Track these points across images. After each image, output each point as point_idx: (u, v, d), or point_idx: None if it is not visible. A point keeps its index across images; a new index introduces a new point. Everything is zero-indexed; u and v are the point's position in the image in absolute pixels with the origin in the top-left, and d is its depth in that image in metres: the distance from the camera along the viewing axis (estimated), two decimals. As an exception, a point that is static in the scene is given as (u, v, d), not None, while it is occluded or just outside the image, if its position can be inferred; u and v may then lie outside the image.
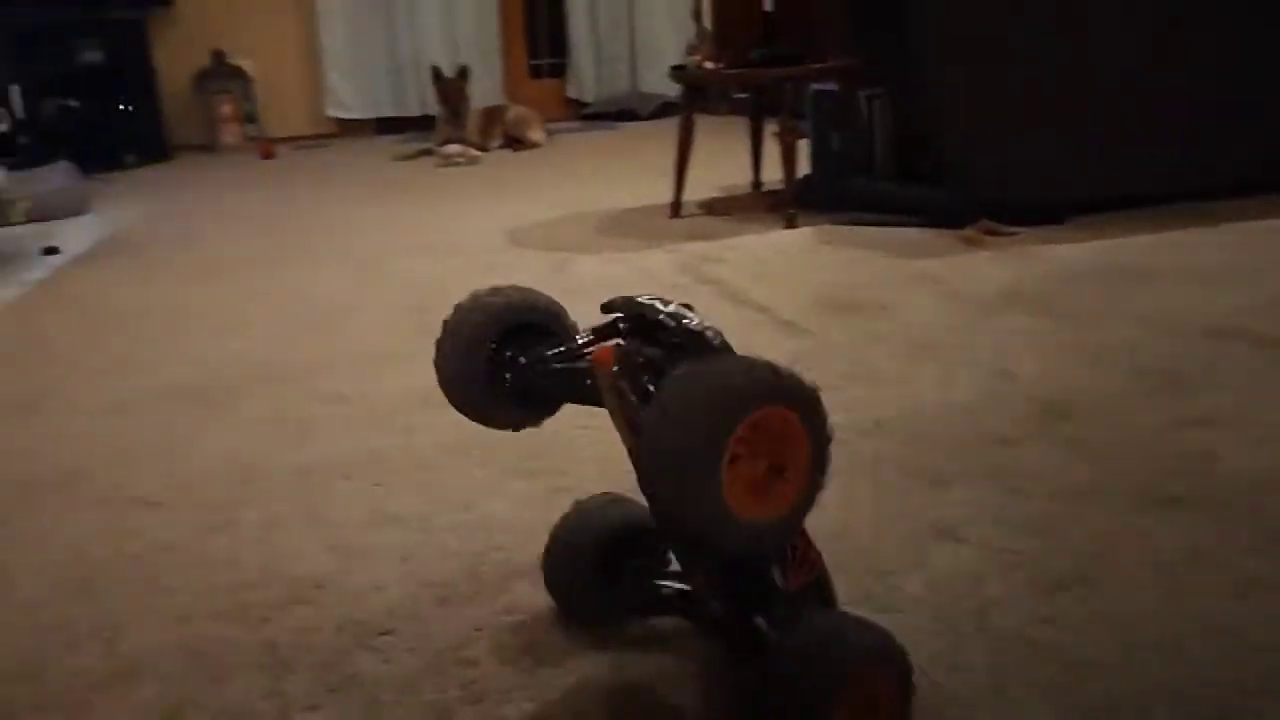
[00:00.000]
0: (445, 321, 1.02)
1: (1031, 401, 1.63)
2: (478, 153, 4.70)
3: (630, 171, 4.13)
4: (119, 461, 1.63)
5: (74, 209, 4.10)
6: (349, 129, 5.67)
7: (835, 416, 0.81)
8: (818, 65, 3.05)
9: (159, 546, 1.35)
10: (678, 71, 3.35)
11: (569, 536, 1.08)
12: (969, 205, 2.74)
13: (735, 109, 4.33)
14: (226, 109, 5.47)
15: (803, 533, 0.90)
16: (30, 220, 3.90)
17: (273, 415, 1.78)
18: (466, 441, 1.58)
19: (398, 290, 2.57)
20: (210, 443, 1.69)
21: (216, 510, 1.44)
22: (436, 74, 4.89)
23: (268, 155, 5.06)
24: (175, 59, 5.36)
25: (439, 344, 1.01)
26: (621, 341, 0.90)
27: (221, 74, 5.42)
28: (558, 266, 2.69)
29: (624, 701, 1.01)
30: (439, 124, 4.86)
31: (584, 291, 2.41)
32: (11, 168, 4.34)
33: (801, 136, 3.15)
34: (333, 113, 5.63)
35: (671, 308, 0.89)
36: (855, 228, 2.92)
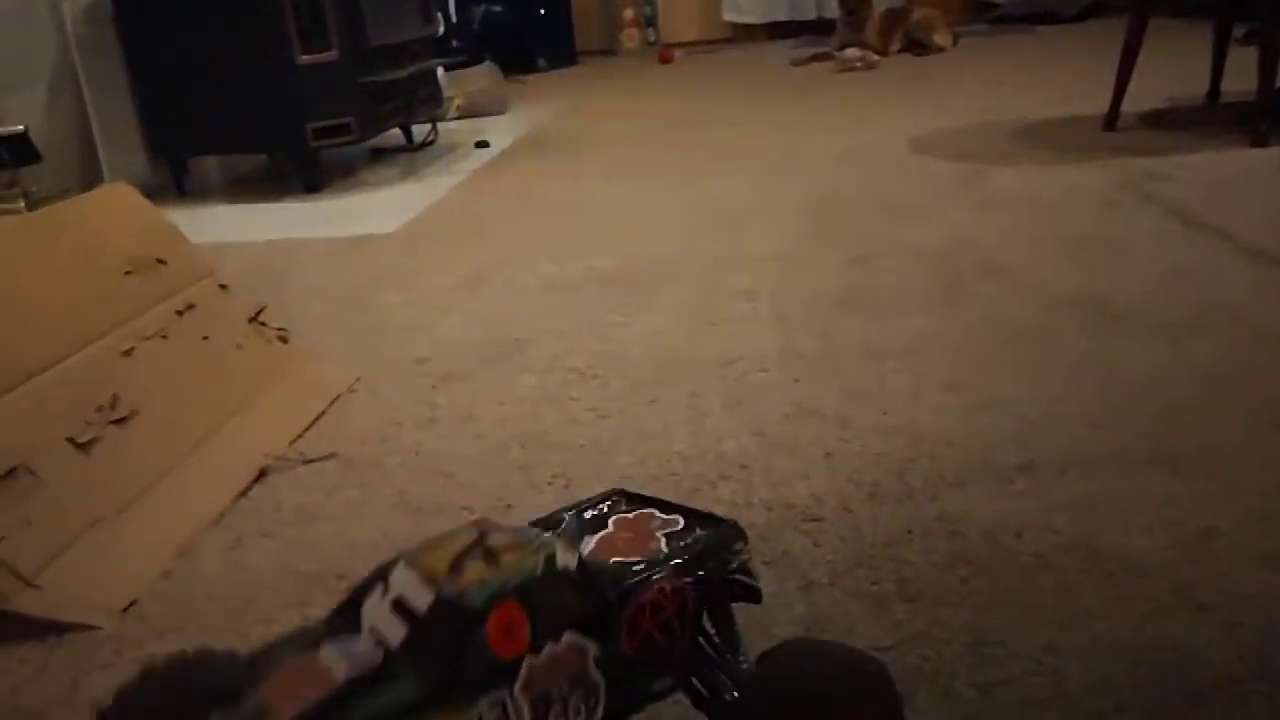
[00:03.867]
0: None
1: None
2: (877, 57, 4.57)
3: (1049, 78, 3.82)
4: (556, 336, 1.79)
5: (497, 107, 4.52)
6: (743, 34, 5.72)
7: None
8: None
9: (597, 413, 1.48)
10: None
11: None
12: None
13: (1185, 11, 3.83)
14: (628, 14, 5.72)
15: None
16: (460, 117, 4.35)
17: (688, 306, 1.88)
18: (882, 348, 1.58)
19: (797, 195, 2.58)
20: (634, 327, 1.81)
21: (645, 387, 1.55)
22: (837, -24, 4.79)
23: (666, 60, 5.24)
24: (587, -34, 5.66)
25: None
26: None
27: (625, -20, 5.67)
28: (967, 178, 2.56)
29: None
30: (838, 27, 4.77)
31: (1003, 206, 2.29)
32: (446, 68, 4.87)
33: None
34: (729, 17, 5.70)
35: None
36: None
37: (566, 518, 0.81)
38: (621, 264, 2.16)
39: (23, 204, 3.06)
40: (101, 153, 3.26)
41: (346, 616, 0.67)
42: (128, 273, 1.47)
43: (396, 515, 1.24)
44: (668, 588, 0.73)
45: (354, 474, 1.36)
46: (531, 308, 1.96)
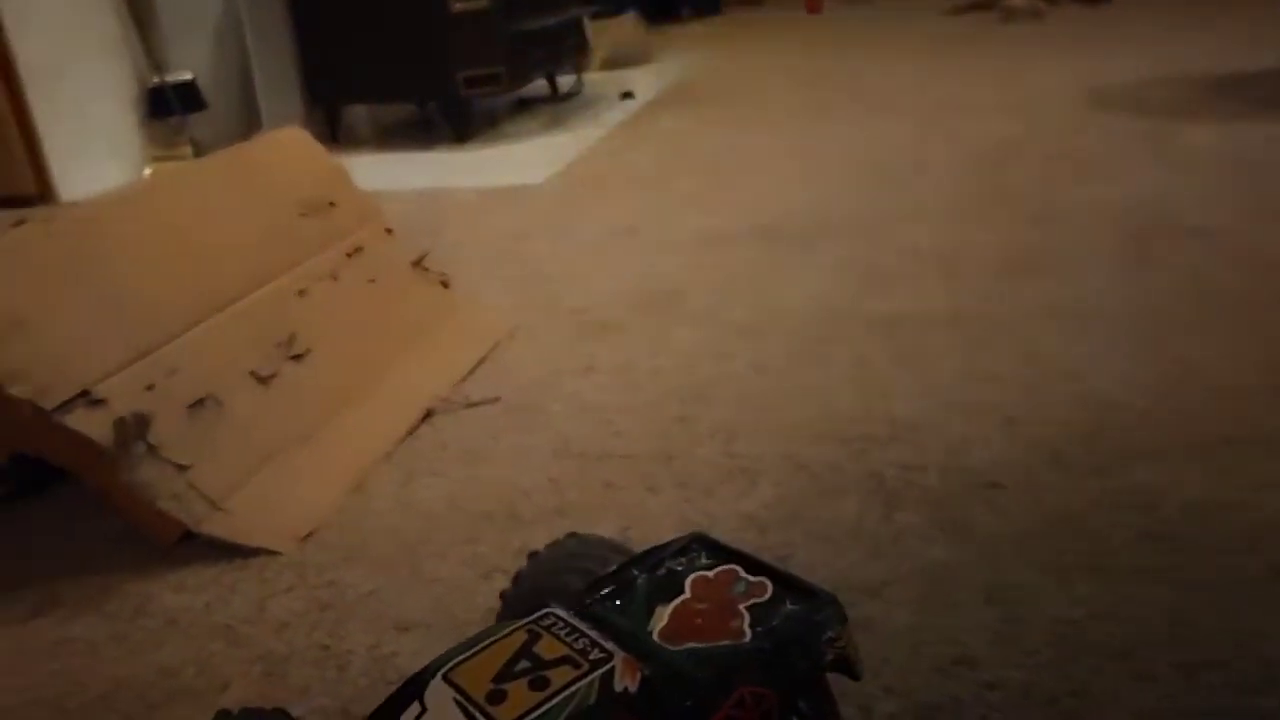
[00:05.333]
0: None
1: None
2: (1045, 5, 4.33)
3: (1232, 27, 3.55)
4: (711, 289, 1.77)
5: (640, 58, 4.48)
6: (893, -17, 5.51)
7: None
8: None
9: (756, 369, 1.45)
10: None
11: None
12: None
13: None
14: (775, -37, 5.58)
15: None
16: (605, 67, 4.33)
17: (850, 262, 1.82)
18: (1064, 311, 1.50)
19: (963, 149, 2.47)
20: (793, 281, 1.76)
21: (807, 343, 1.51)
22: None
23: (814, 10, 5.09)
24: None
25: None
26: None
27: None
28: (1153, 133, 2.40)
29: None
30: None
31: (1198, 164, 2.13)
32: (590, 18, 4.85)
33: None
34: (879, -35, 5.49)
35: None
36: None
37: (639, 577, 0.70)
38: (777, 217, 2.11)
39: (190, 149, 3.21)
40: (262, 101, 3.37)
41: None
42: (302, 214, 1.51)
43: (560, 461, 1.25)
44: (748, 697, 0.62)
45: (516, 418, 1.37)
46: (685, 260, 1.93)
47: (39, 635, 1.02)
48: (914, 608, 0.93)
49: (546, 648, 0.61)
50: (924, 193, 2.17)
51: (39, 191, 2.81)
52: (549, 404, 1.40)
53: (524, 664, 0.60)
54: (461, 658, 0.61)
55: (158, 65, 3.14)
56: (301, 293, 1.41)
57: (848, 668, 0.68)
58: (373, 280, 1.55)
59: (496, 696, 0.57)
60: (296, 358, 1.33)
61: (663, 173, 2.62)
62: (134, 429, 1.10)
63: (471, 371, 1.51)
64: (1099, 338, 1.41)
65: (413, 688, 0.60)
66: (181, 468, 1.12)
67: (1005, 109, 2.80)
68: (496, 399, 1.42)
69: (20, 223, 1.27)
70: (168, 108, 3.14)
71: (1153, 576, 0.94)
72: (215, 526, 1.11)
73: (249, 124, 3.38)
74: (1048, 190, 2.08)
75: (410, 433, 1.34)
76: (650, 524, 1.10)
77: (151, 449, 1.11)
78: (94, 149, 2.97)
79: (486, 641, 0.62)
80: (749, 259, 1.89)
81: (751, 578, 0.70)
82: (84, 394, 1.10)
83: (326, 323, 1.41)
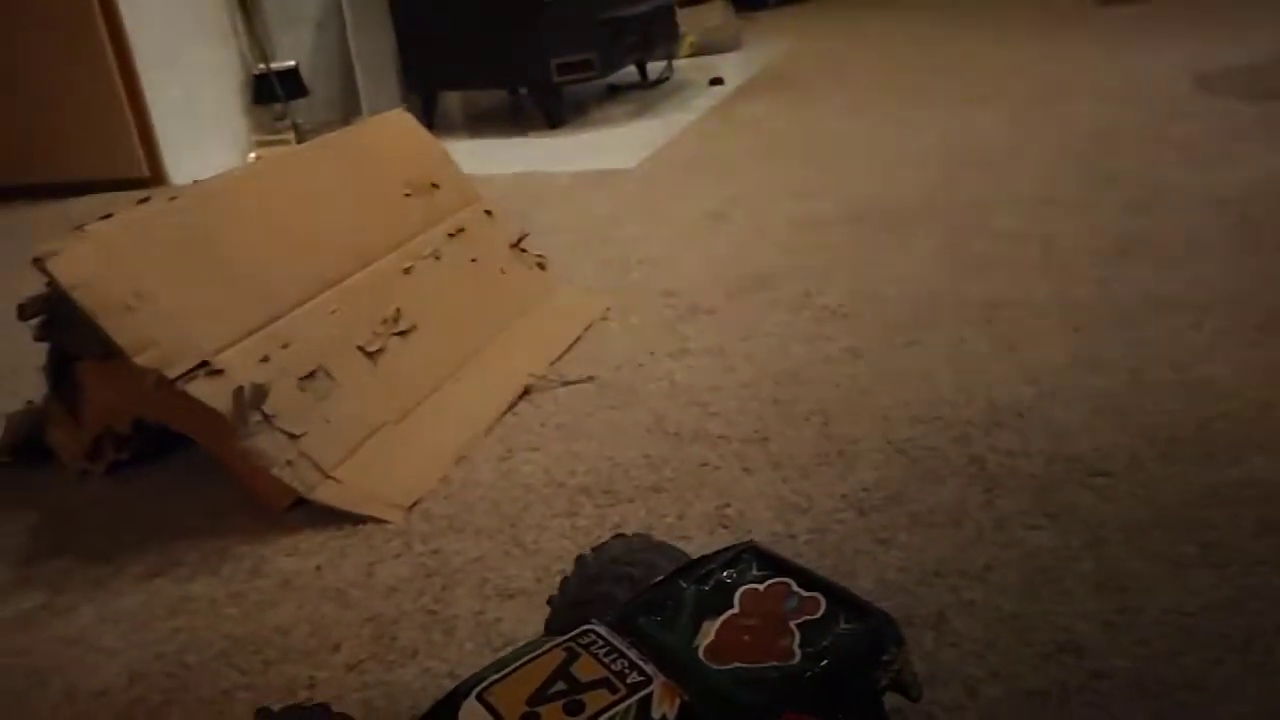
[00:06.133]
0: None
1: None
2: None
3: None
4: (804, 273, 1.76)
5: (729, 45, 4.46)
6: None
7: None
8: None
9: (852, 353, 1.44)
10: None
11: None
12: None
13: None
14: (867, -53, 5.48)
15: None
16: (694, 54, 4.32)
17: (947, 247, 1.79)
18: (1174, 299, 1.46)
19: (1062, 133, 2.41)
20: (889, 265, 1.74)
21: (903, 328, 1.49)
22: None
23: (906, -6, 5.00)
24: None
25: None
26: None
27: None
28: (1264, 119, 2.30)
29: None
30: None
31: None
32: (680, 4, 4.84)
33: None
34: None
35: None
36: None
37: (687, 589, 0.68)
38: (871, 202, 2.09)
39: (292, 135, 3.31)
40: (361, 88, 3.46)
41: None
42: (407, 194, 1.55)
43: (654, 439, 1.26)
44: None
45: (611, 397, 1.38)
46: (777, 244, 1.92)
47: (161, 594, 1.08)
48: (1018, 593, 0.91)
49: (584, 668, 0.59)
50: (1023, 178, 2.12)
51: (151, 175, 2.93)
52: (643, 384, 1.41)
53: (560, 685, 0.58)
54: (497, 676, 0.60)
55: (263, 53, 3.25)
56: (406, 271, 1.45)
57: (903, 691, 0.65)
58: (474, 260, 1.58)
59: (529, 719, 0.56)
60: (402, 334, 1.37)
61: (753, 158, 2.61)
62: (251, 399, 1.14)
63: (567, 351, 1.53)
64: (1208, 326, 1.36)
65: (447, 707, 0.59)
66: (294, 436, 1.16)
67: (1106, 93, 2.71)
68: (591, 378, 1.44)
69: (144, 200, 1.33)
70: (271, 94, 3.24)
71: (1272, 568, 0.91)
72: (326, 494, 1.15)
73: (348, 110, 3.47)
74: (1153, 175, 2.01)
75: (509, 409, 1.37)
76: (747, 503, 1.10)
77: (267, 418, 1.15)
78: (203, 134, 3.08)
79: (524, 659, 0.61)
80: (842, 243, 1.88)
81: (804, 593, 0.67)
82: (204, 364, 1.15)
83: (430, 301, 1.44)
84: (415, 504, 1.17)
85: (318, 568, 1.08)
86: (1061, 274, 1.60)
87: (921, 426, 1.22)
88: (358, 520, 1.14)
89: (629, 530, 1.07)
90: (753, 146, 2.73)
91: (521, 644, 0.64)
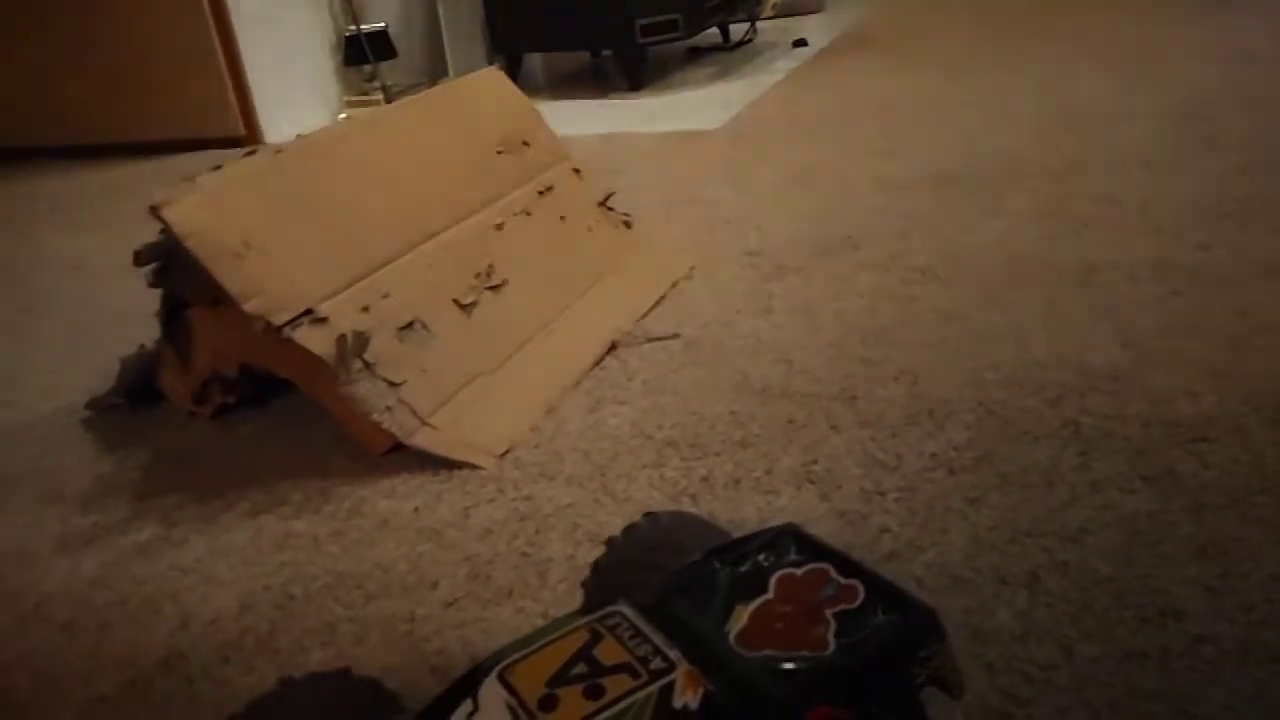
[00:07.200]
0: None
1: None
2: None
3: None
4: (893, 234, 1.74)
5: (812, 6, 4.39)
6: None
7: None
8: None
9: (942, 314, 1.43)
10: None
11: None
12: None
13: None
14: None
15: None
16: (776, 15, 4.26)
17: (1040, 209, 1.75)
18: (1278, 261, 1.41)
19: (1162, 96, 2.33)
20: (980, 227, 1.72)
21: (994, 289, 1.47)
22: None
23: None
24: None
25: None
26: None
27: None
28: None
29: None
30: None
31: None
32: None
33: None
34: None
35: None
36: None
37: (721, 571, 0.66)
38: (961, 163, 2.05)
39: (380, 96, 3.36)
40: (448, 49, 3.49)
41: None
42: (499, 152, 1.57)
43: (741, 395, 1.27)
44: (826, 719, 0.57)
45: (697, 354, 1.39)
46: (864, 205, 1.90)
47: (267, 529, 1.12)
48: (1115, 557, 0.91)
49: (606, 651, 0.58)
50: (1120, 140, 2.06)
51: (247, 134, 3.02)
52: (728, 341, 1.42)
53: (581, 668, 0.57)
54: (518, 655, 0.59)
55: (354, 15, 3.30)
56: (499, 227, 1.47)
57: (944, 688, 0.62)
58: (563, 218, 1.60)
59: (548, 702, 0.55)
60: (494, 288, 1.40)
61: (838, 119, 2.57)
62: (354, 346, 1.18)
63: (652, 308, 1.55)
64: (1321, 294, 1.32)
65: (468, 683, 0.58)
66: (394, 384, 1.20)
67: (1209, 56, 2.61)
68: (676, 335, 1.45)
69: (251, 153, 1.37)
70: (362, 55, 3.30)
71: (1383, 540, 0.89)
72: (424, 440, 1.19)
73: (435, 72, 3.52)
74: (1265, 141, 1.94)
75: (596, 364, 1.39)
76: (834, 460, 1.11)
77: (368, 365, 1.19)
78: (297, 94, 3.15)
79: (548, 638, 0.60)
80: (930, 205, 1.85)
81: (843, 580, 0.64)
82: (308, 312, 1.19)
83: (521, 256, 1.47)
84: (507, 452, 1.20)
85: (415, 509, 1.12)
86: (1160, 237, 1.56)
87: (1014, 388, 1.20)
88: (453, 466, 1.18)
89: (717, 485, 1.08)
90: (837, 108, 2.69)
91: (548, 621, 0.64)
